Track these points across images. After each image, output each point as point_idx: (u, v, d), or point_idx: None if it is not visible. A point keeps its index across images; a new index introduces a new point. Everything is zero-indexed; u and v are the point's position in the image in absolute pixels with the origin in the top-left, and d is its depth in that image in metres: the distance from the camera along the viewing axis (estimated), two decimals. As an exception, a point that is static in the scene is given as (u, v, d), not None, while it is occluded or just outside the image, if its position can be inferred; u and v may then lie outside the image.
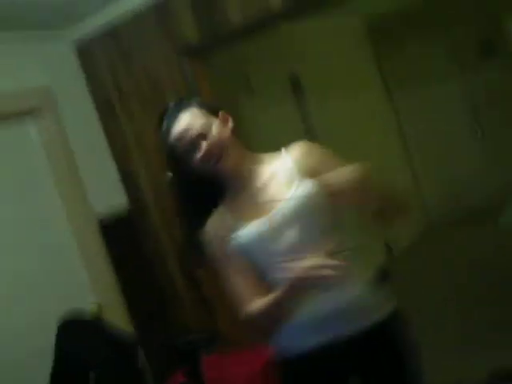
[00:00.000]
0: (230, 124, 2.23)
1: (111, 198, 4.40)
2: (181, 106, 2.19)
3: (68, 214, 4.07)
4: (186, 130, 2.13)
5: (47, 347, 3.07)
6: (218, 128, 2.16)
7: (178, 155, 2.15)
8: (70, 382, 2.98)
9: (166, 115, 2.18)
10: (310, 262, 1.95)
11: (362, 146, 7.54)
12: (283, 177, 2.19)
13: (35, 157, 4.00)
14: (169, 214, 4.23)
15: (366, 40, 8.55)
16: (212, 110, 2.22)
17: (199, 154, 2.12)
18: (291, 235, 2.10)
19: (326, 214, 2.15)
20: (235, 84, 5.85)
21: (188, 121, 2.14)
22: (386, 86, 8.63)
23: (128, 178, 4.47)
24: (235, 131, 2.24)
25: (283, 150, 2.29)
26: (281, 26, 4.96)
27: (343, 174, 2.08)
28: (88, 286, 4.07)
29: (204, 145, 2.12)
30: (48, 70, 4.14)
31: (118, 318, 3.91)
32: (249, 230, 2.13)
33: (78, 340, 3.05)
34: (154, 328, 4.26)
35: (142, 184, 4.40)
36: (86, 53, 4.42)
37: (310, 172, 2.18)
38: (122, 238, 4.31)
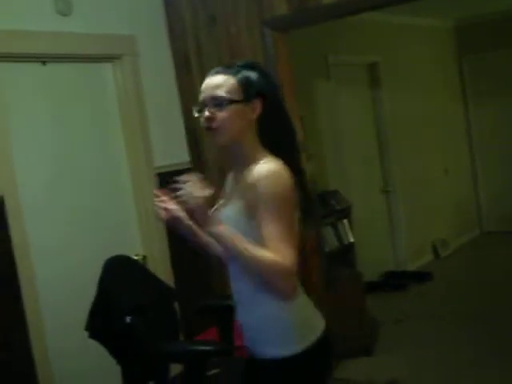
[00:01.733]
0: (253, 116, 2.12)
1: (174, 152, 4.47)
2: (229, 70, 2.14)
3: (129, 162, 4.17)
4: (209, 88, 2.12)
5: (92, 287, 3.17)
6: (235, 111, 2.09)
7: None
8: (106, 323, 3.05)
9: (220, 68, 2.17)
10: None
11: (427, 142, 7.51)
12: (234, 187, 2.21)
13: (109, 101, 4.12)
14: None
15: (450, 42, 8.42)
16: (248, 93, 2.11)
17: (202, 117, 2.12)
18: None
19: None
20: (313, 64, 5.86)
21: (217, 82, 2.11)
22: (463, 88, 8.49)
23: (192, 136, 4.53)
24: (254, 125, 2.14)
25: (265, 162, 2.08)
26: (368, 15, 4.96)
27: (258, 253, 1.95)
28: (137, 237, 4.18)
29: (208, 113, 2.10)
30: (134, 19, 4.24)
31: (161, 272, 3.99)
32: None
33: (120, 279, 3.11)
34: (192, 287, 4.35)
35: (204, 143, 4.45)
36: (172, 8, 4.48)
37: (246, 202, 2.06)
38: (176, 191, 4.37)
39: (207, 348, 2.78)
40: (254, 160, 2.08)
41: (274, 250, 1.93)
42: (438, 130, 7.78)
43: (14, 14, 3.54)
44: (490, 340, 4.73)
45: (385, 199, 6.99)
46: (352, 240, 5.60)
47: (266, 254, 1.93)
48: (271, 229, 1.95)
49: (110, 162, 4.12)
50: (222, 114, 2.08)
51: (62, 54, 3.82)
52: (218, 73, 2.14)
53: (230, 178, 2.32)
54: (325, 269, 4.53)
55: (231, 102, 2.08)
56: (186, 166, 4.47)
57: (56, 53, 3.78)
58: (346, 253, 5.59)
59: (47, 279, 3.59)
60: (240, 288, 2.16)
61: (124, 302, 2.98)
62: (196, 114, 2.16)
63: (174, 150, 4.47)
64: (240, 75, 2.12)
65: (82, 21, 3.90)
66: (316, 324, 2.18)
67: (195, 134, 4.48)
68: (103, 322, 3.07)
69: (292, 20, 4.12)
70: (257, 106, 2.12)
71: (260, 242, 1.97)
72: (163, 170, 4.22)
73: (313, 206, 2.31)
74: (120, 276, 3.14)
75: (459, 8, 7.33)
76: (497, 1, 6.84)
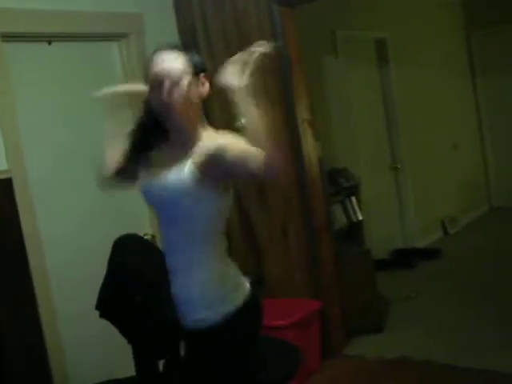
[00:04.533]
0: (204, 89, 2.19)
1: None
2: (174, 48, 2.20)
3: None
4: (164, 69, 2.13)
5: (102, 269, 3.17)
6: (188, 84, 2.13)
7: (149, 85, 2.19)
8: (116, 302, 3.05)
9: (159, 49, 2.20)
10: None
11: (436, 118, 7.48)
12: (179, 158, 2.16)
13: (116, 80, 4.08)
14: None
15: (458, 17, 8.35)
16: (197, 68, 2.18)
17: (163, 94, 2.11)
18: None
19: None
20: (321, 40, 5.81)
21: (171, 58, 2.15)
22: (471, 64, 8.43)
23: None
24: (205, 99, 2.20)
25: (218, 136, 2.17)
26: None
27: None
28: (145, 217, 4.17)
29: (168, 86, 2.11)
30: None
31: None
32: (143, 182, 2.28)
33: (130, 258, 3.10)
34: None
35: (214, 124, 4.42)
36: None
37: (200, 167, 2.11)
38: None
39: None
40: (198, 136, 2.16)
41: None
42: (447, 105, 7.73)
43: (19, -8, 3.51)
44: (500, 316, 4.72)
45: (393, 176, 6.96)
46: (361, 218, 5.58)
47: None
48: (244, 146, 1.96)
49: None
50: (175, 89, 2.11)
51: (67, 32, 3.79)
52: (168, 48, 2.19)
53: (160, 152, 2.27)
54: (335, 246, 4.53)
55: (185, 74, 2.13)
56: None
57: (62, 32, 3.76)
58: (354, 230, 5.57)
59: (58, 262, 3.60)
60: (178, 259, 2.22)
61: (134, 280, 2.98)
62: (150, 93, 2.18)
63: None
64: (188, 50, 2.21)
65: (88, -1, 3.87)
66: (243, 284, 2.27)
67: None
68: (113, 300, 3.06)
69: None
70: (205, 80, 2.18)
71: (212, 203, 2.13)
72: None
73: None
74: (130, 255, 3.12)
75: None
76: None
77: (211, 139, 2.12)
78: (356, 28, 6.26)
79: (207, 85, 2.18)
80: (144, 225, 4.14)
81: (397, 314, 5.08)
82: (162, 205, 2.23)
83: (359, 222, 5.58)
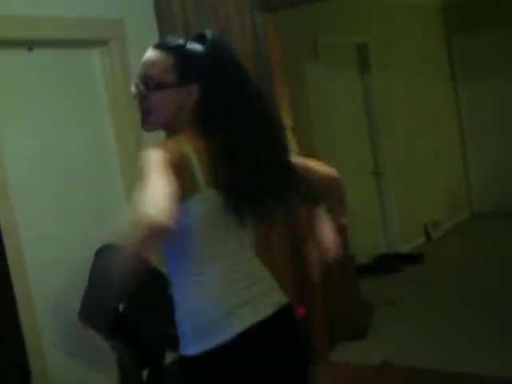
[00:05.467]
0: (187, 103, 1.84)
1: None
2: (168, 44, 1.91)
3: (119, 149, 4.13)
4: (143, 64, 1.91)
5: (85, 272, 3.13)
6: (167, 95, 1.85)
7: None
8: (99, 311, 3.03)
9: (161, 41, 1.98)
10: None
11: (418, 123, 7.51)
12: None
13: (97, 87, 4.08)
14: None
15: (438, 21, 8.38)
16: (184, 76, 1.84)
17: (134, 96, 1.91)
18: None
19: None
20: (302, 45, 5.81)
21: (152, 59, 1.89)
22: (451, 68, 8.46)
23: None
24: (188, 113, 1.87)
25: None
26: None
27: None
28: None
29: (135, 91, 1.90)
30: (121, 2, 4.17)
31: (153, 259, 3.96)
32: None
33: (113, 267, 3.07)
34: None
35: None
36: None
37: None
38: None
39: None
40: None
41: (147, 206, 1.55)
42: (428, 110, 7.76)
43: (-3, -2, 3.47)
44: (482, 320, 4.73)
45: (376, 181, 6.97)
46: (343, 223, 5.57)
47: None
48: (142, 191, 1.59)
49: (98, 149, 4.08)
50: (152, 97, 1.86)
51: (48, 39, 3.76)
52: (155, 47, 1.92)
53: None
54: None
55: (160, 85, 1.85)
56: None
57: (42, 38, 3.72)
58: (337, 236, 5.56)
59: (38, 265, 3.55)
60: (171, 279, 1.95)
61: (117, 290, 2.95)
62: (132, 90, 1.92)
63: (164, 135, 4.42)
64: (177, 52, 1.86)
65: (69, 5, 3.83)
66: (230, 323, 1.83)
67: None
68: (96, 310, 3.03)
69: (281, 0, 4.08)
70: (193, 92, 1.83)
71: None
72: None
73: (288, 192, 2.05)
74: (111, 263, 3.10)
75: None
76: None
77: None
78: (337, 33, 6.27)
79: (195, 95, 1.84)
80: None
81: (380, 319, 5.08)
82: None
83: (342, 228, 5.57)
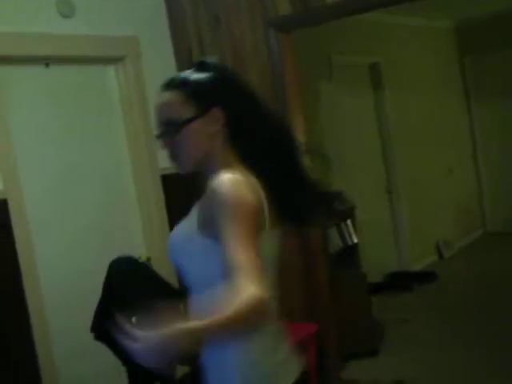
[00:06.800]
0: (216, 127, 1.77)
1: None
2: (173, 82, 1.83)
3: (133, 164, 4.17)
4: (157, 111, 1.82)
5: (97, 290, 3.16)
6: (193, 131, 1.76)
7: None
8: (109, 326, 3.04)
9: (166, 81, 1.85)
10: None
11: (431, 142, 7.51)
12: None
13: (112, 103, 4.13)
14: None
15: (451, 43, 8.41)
16: (202, 103, 1.77)
17: (163, 145, 1.81)
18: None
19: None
20: (316, 65, 5.85)
21: (164, 102, 1.80)
22: (465, 88, 8.47)
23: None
24: (221, 135, 1.79)
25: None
26: (370, 16, 4.94)
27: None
28: (140, 238, 4.18)
29: (163, 143, 1.81)
30: (136, 20, 4.23)
31: (165, 273, 3.98)
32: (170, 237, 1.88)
33: (125, 280, 3.09)
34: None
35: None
36: (175, 8, 4.47)
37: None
38: (182, 194, 4.36)
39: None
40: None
41: (245, 280, 1.48)
42: (442, 130, 7.77)
43: (16, 16, 3.53)
44: (495, 340, 4.71)
45: (388, 200, 6.97)
46: (356, 241, 5.57)
47: (237, 305, 1.44)
48: (234, 250, 1.54)
49: (113, 165, 4.12)
50: (179, 139, 1.76)
51: (64, 56, 3.82)
52: (162, 90, 1.82)
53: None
54: (330, 269, 4.52)
55: (185, 122, 1.75)
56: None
57: (59, 55, 3.78)
58: (349, 254, 5.55)
59: (52, 284, 3.58)
60: None
61: (129, 303, 2.97)
62: (159, 140, 1.82)
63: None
64: (187, 85, 1.79)
65: (85, 23, 3.89)
66: (287, 370, 1.79)
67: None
68: (108, 323, 3.05)
69: (296, 20, 4.12)
70: (218, 115, 1.76)
71: (213, 259, 1.67)
72: (168, 172, 4.19)
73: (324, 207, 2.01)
74: (125, 277, 3.12)
75: (460, 9, 7.32)
76: (497, 1, 6.82)
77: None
78: (350, 53, 6.31)
79: (221, 117, 1.76)
80: (139, 246, 4.13)
81: (392, 337, 5.06)
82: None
83: (354, 246, 5.57)
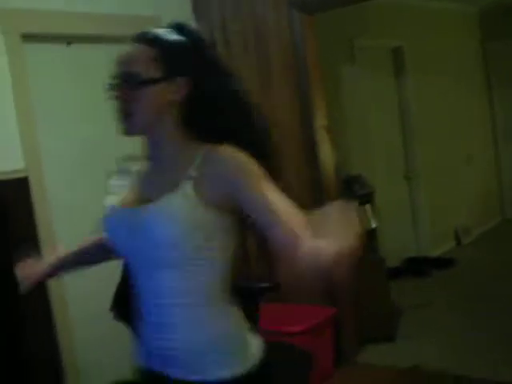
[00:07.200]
0: (176, 97, 1.66)
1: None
2: (148, 36, 1.70)
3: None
4: (122, 61, 1.71)
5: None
6: (153, 92, 1.64)
7: None
8: (130, 303, 3.03)
9: (139, 33, 1.73)
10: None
11: (451, 128, 7.45)
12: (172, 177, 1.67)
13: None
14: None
15: (474, 28, 8.31)
16: (171, 68, 1.65)
17: (116, 97, 1.70)
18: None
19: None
20: (338, 48, 5.80)
21: (132, 54, 1.70)
22: (486, 74, 8.38)
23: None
24: (177, 109, 1.68)
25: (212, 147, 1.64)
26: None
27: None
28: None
29: (119, 93, 1.69)
30: (160, 0, 4.20)
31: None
32: (110, 212, 1.91)
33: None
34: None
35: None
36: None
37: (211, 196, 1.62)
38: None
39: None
40: (185, 150, 1.68)
41: (293, 223, 1.52)
42: (462, 116, 7.70)
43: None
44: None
45: (407, 185, 6.93)
46: (374, 225, 5.55)
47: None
48: (275, 199, 1.54)
49: (136, 145, 4.10)
50: (139, 95, 1.64)
51: (86, 34, 3.81)
52: (135, 41, 1.70)
53: (137, 170, 1.95)
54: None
55: (147, 81, 1.63)
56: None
57: (80, 33, 3.77)
58: (368, 238, 5.54)
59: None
60: (171, 311, 1.71)
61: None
62: (108, 91, 1.72)
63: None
64: (160, 44, 1.67)
65: (107, 2, 3.88)
66: (250, 345, 1.75)
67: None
68: (128, 301, 3.05)
69: (320, 2, 4.07)
70: (182, 85, 1.65)
71: (216, 228, 1.64)
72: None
73: None
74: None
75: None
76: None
77: (226, 153, 1.61)
78: (373, 36, 6.25)
79: (184, 89, 1.66)
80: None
81: (410, 322, 5.05)
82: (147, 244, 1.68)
83: (373, 230, 5.55)
